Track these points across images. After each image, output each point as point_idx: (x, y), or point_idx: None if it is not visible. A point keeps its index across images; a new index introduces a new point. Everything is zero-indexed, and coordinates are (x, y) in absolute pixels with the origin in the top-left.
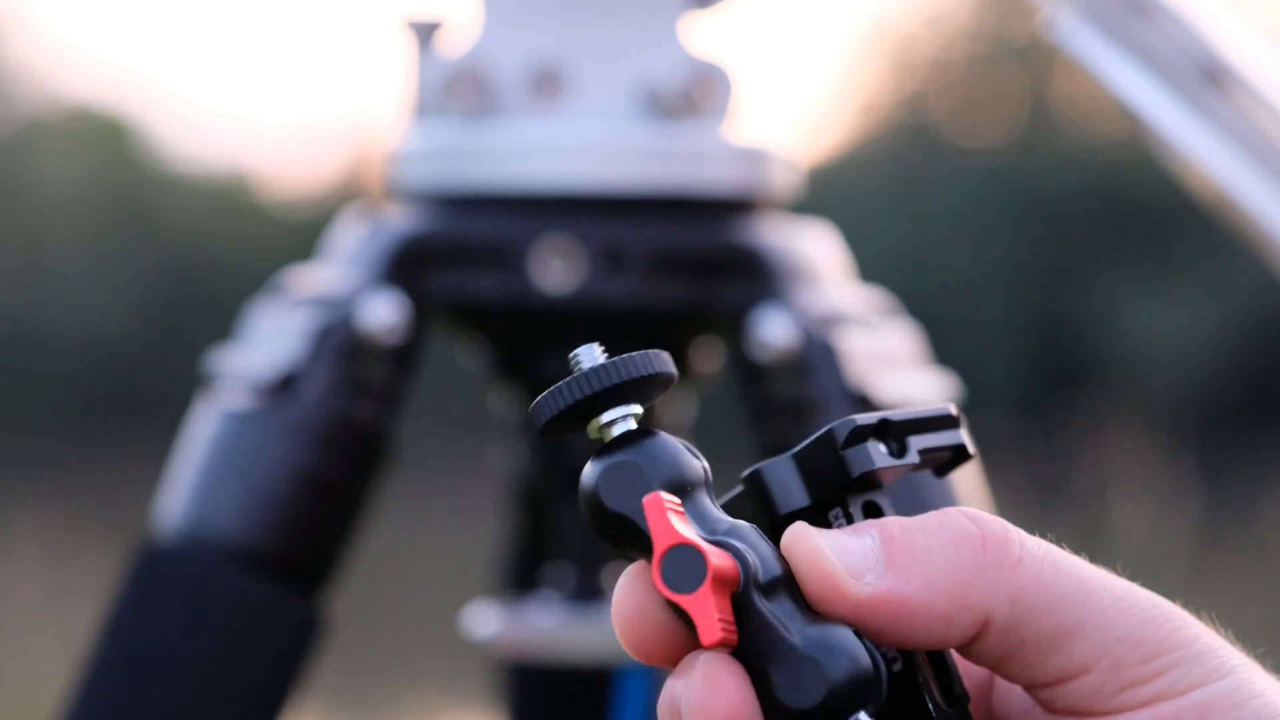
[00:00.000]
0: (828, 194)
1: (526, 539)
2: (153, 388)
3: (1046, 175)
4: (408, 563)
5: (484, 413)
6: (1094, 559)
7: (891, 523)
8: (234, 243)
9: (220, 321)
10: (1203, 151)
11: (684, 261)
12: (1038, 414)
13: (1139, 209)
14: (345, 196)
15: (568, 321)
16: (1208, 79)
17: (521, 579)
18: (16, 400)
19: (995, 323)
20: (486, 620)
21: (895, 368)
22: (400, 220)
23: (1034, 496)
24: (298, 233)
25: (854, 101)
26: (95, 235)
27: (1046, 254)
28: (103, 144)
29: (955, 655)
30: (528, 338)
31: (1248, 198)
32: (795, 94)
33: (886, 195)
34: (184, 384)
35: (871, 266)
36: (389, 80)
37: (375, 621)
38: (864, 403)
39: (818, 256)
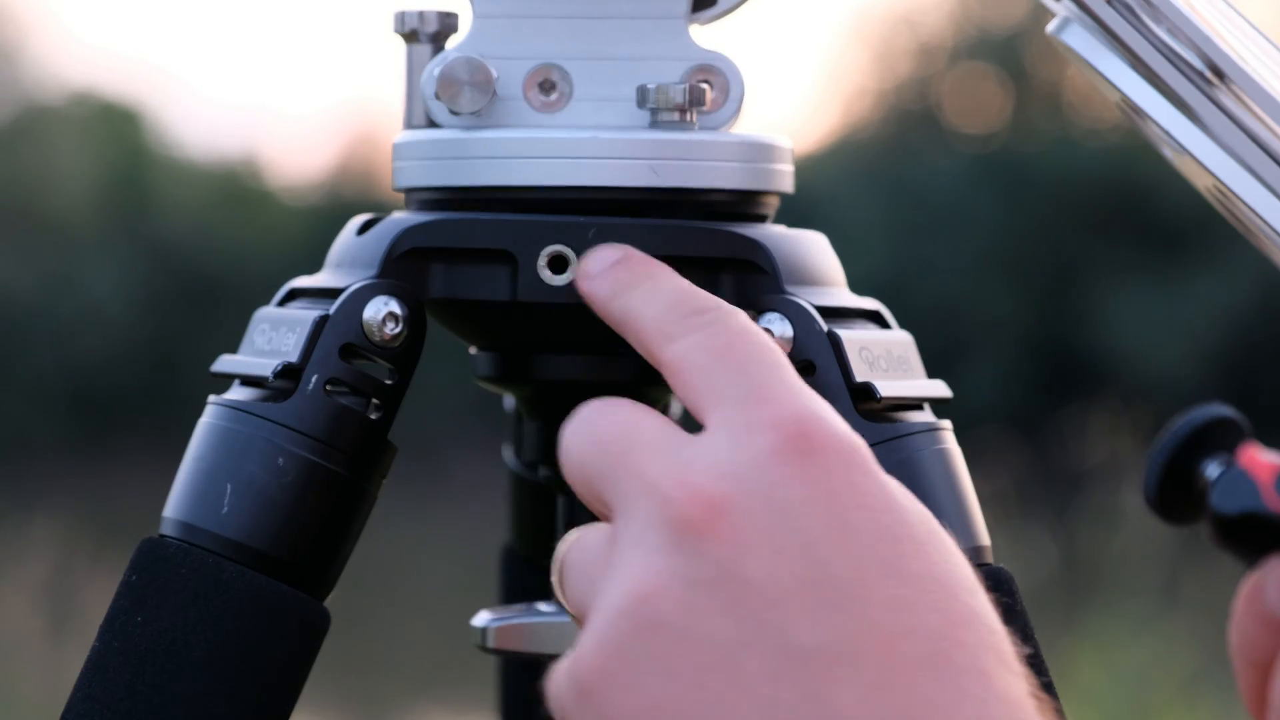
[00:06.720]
0: (815, 185)
1: (531, 534)
2: (161, 377)
3: (1036, 162)
4: (409, 562)
5: (487, 410)
6: (1094, 554)
7: None
8: (240, 229)
9: (222, 313)
10: (1204, 149)
11: (685, 261)
12: (1033, 412)
13: (1136, 206)
14: (349, 185)
15: (568, 322)
16: (1208, 77)
17: (526, 575)
18: (23, 388)
19: (987, 318)
20: (490, 615)
21: (895, 367)
22: (400, 220)
23: (1031, 494)
24: (302, 219)
25: (839, 91)
26: (105, 223)
27: (1039, 248)
28: (113, 131)
29: None
30: (528, 338)
31: (1251, 196)
32: (783, 83)
33: (874, 184)
34: (192, 374)
35: (860, 257)
36: (393, 73)
37: (376, 621)
38: (865, 402)
39: (818, 257)
